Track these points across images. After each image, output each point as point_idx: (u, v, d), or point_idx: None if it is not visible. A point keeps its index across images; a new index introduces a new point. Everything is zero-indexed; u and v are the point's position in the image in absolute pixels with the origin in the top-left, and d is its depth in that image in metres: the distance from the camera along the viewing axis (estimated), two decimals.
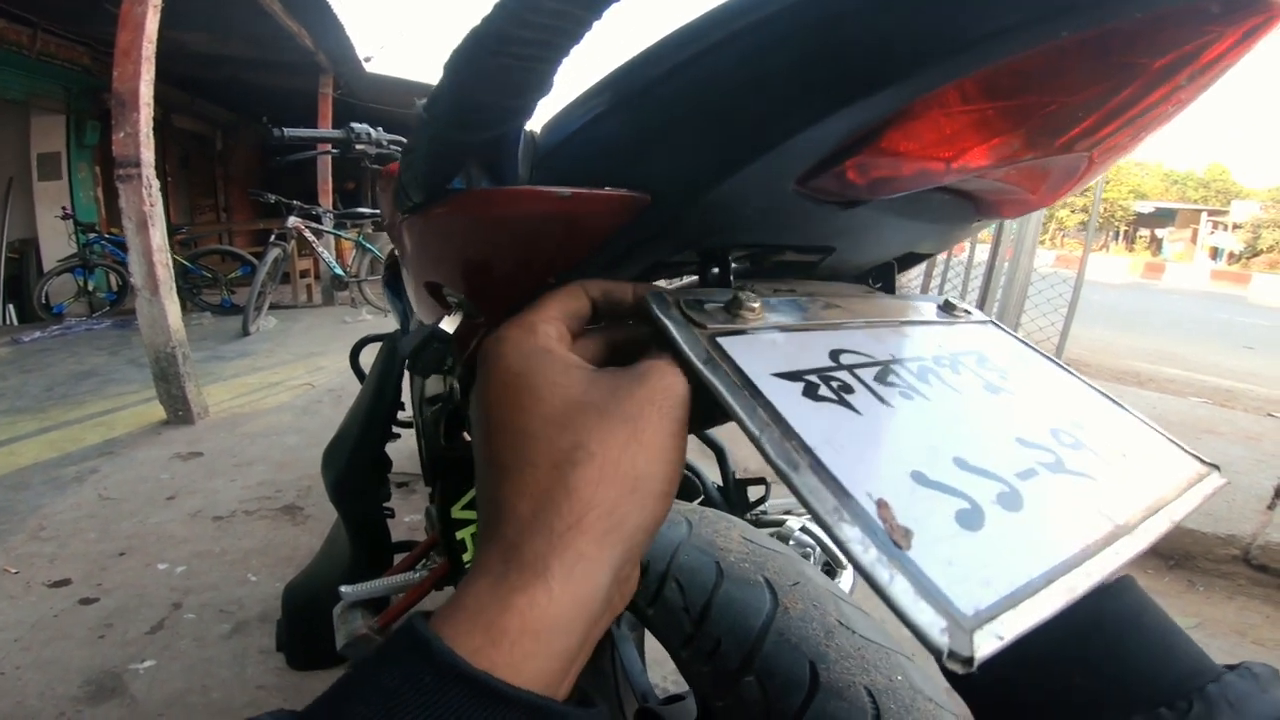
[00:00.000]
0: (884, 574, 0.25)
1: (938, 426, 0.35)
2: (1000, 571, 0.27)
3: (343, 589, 0.90)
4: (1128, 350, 5.24)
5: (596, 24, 0.32)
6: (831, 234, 0.46)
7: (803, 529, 1.05)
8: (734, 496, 1.06)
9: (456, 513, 0.74)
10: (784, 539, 1.05)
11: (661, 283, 0.50)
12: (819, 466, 0.29)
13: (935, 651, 0.24)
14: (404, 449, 1.37)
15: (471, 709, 0.24)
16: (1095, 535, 0.32)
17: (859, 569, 0.26)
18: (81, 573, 1.99)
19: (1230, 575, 2.11)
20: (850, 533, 0.27)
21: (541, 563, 0.27)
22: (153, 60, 3.13)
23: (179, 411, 3.39)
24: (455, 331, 0.55)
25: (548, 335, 0.34)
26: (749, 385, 0.32)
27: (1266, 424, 3.36)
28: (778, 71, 0.32)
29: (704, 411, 0.35)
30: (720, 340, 0.35)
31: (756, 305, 0.38)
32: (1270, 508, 2.31)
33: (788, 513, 1.11)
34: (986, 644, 0.25)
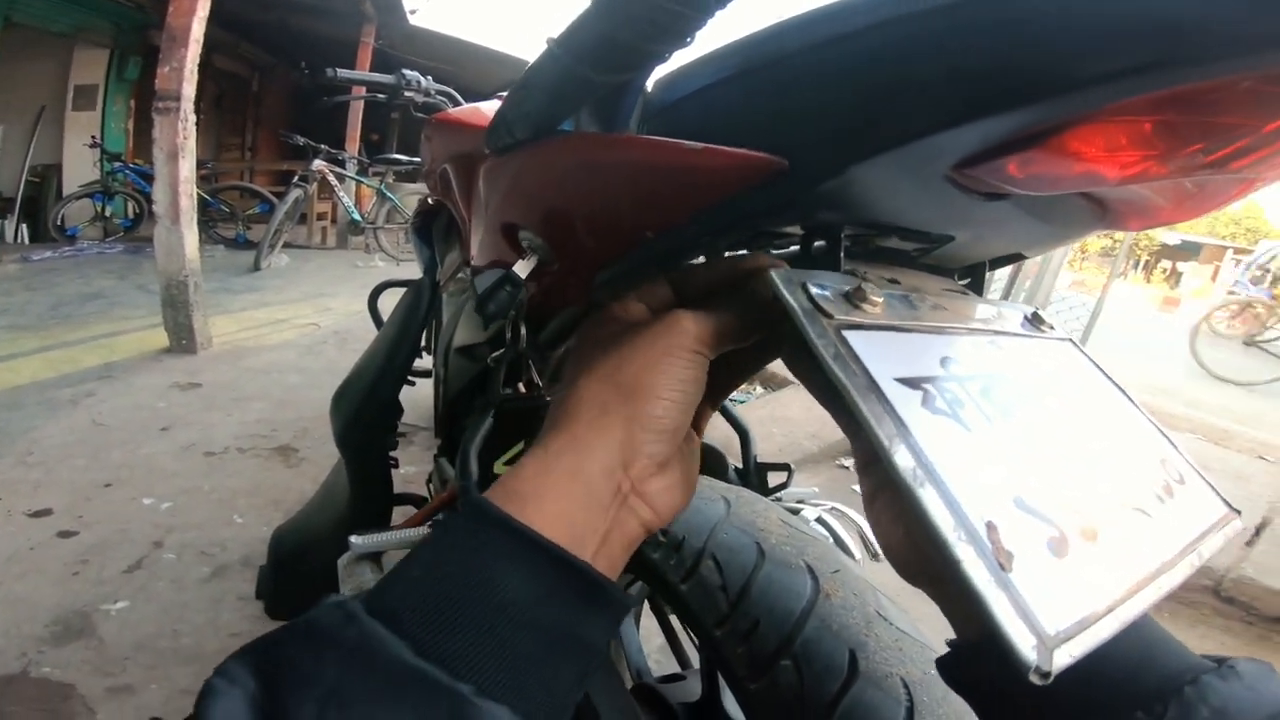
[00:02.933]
0: (991, 594, 0.28)
1: (1034, 451, 0.36)
2: (1076, 598, 0.30)
3: (353, 539, 0.84)
4: (1133, 382, 5.14)
5: None
6: (957, 223, 0.45)
7: (818, 519, 0.99)
8: (753, 480, 1.00)
9: (499, 469, 0.66)
10: None
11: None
12: (940, 484, 0.30)
13: (1024, 666, 0.27)
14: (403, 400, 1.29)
15: (502, 543, 0.31)
16: (1146, 569, 0.34)
17: (968, 586, 0.28)
18: (64, 503, 1.93)
19: (1197, 605, 2.14)
20: (966, 553, 0.28)
21: (547, 440, 0.36)
22: None
23: (183, 340, 3.38)
24: (528, 276, 0.55)
25: (621, 309, 0.41)
26: (875, 389, 0.32)
27: (1257, 465, 3.36)
28: (970, 57, 0.30)
29: (739, 365, 0.43)
30: (846, 334, 0.34)
31: (880, 300, 0.37)
32: (1249, 544, 2.39)
33: (801, 502, 1.04)
34: (1061, 661, 0.27)
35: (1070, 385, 0.45)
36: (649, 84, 0.44)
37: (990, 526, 0.30)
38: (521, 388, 0.70)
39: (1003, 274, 4.10)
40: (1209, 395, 5.30)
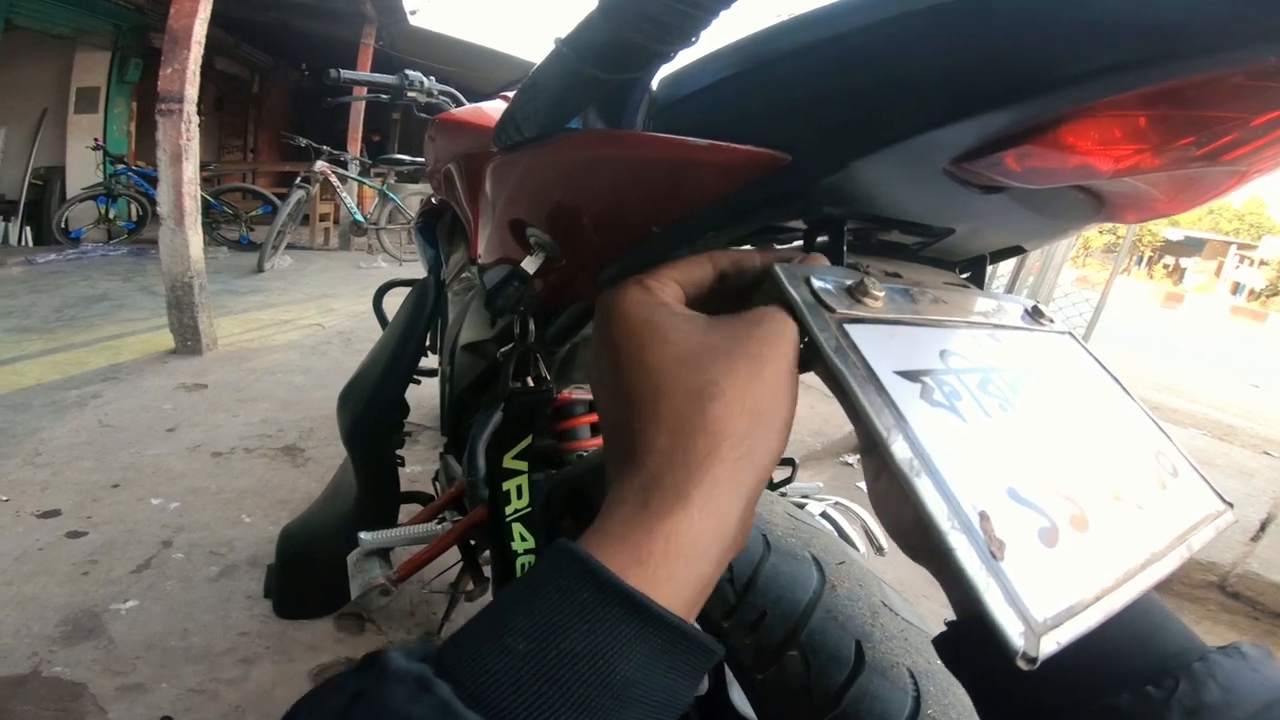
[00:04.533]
0: (983, 581, 0.28)
1: (1029, 443, 0.37)
2: (1065, 587, 0.31)
3: (362, 535, 0.87)
4: (1137, 378, 5.17)
5: None
6: (958, 216, 0.46)
7: (823, 514, 1.01)
8: None
9: (508, 462, 0.66)
10: None
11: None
12: (936, 474, 0.31)
13: (1011, 651, 0.27)
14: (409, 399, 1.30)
15: (624, 625, 0.26)
16: (1135, 560, 0.35)
17: (960, 573, 0.28)
18: (72, 503, 1.93)
19: (1203, 600, 2.15)
20: (959, 541, 0.29)
21: (683, 490, 0.29)
22: None
23: (188, 342, 3.38)
24: (535, 272, 0.56)
25: (664, 292, 0.36)
26: (875, 381, 0.33)
27: (1261, 461, 3.36)
28: (966, 55, 0.31)
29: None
30: (847, 327, 0.35)
31: (881, 294, 0.37)
32: (1254, 540, 2.39)
33: (806, 496, 1.07)
34: (1048, 647, 0.28)
35: (1067, 378, 0.45)
36: (654, 82, 0.45)
37: (984, 516, 0.30)
38: (529, 382, 0.71)
39: (1006, 270, 4.11)
40: (1213, 391, 5.29)
